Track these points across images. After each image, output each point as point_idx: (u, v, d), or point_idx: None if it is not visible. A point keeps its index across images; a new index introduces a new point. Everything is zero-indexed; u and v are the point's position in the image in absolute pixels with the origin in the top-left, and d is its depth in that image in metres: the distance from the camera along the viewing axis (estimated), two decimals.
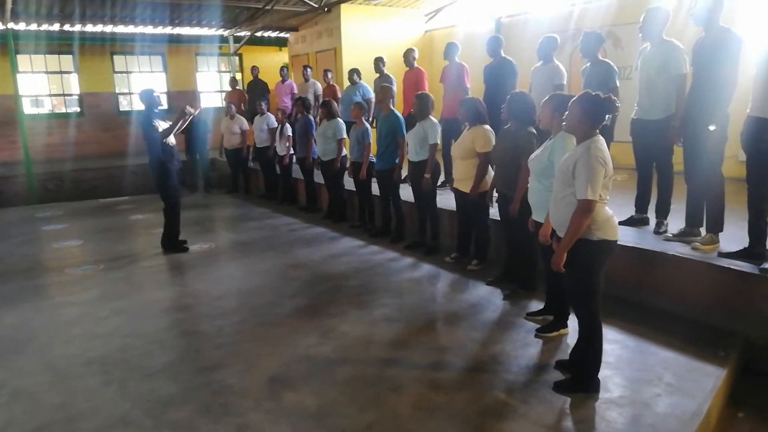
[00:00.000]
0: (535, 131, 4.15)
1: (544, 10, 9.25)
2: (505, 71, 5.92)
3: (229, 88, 11.26)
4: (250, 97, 10.31)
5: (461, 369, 3.38)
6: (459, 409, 2.91)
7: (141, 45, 12.26)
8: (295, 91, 9.77)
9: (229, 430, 2.79)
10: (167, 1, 10.27)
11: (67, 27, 10.70)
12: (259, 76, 10.55)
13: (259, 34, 12.55)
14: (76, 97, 12.83)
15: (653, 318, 3.86)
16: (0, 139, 11.80)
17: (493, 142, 4.62)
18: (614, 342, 3.55)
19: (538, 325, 3.83)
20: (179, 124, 5.93)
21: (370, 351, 3.64)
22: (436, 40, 10.99)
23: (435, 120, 5.51)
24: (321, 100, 8.45)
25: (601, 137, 2.87)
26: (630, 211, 4.82)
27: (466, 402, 2.97)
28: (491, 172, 4.75)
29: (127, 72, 13.39)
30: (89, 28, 10.97)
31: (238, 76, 13.39)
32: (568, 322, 3.70)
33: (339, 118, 7.09)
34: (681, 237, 4.21)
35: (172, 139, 5.91)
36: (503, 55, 6.04)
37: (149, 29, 11.63)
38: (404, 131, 5.88)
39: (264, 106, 9.03)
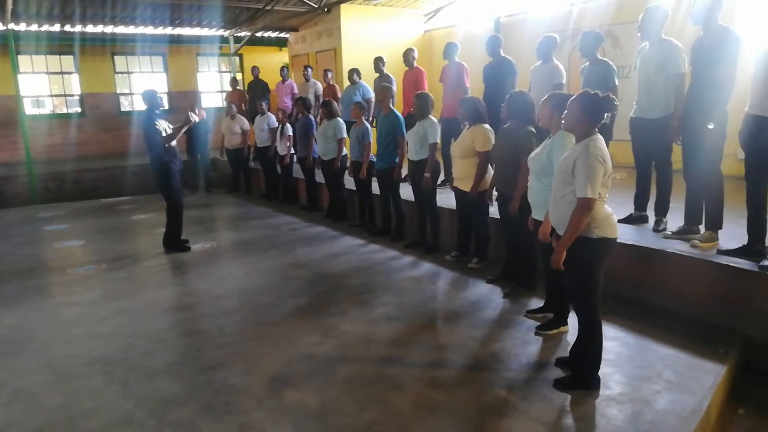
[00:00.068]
0: (534, 130, 4.17)
1: (543, 9, 9.26)
2: (504, 71, 5.94)
3: (229, 89, 11.28)
4: (251, 97, 10.33)
5: (462, 367, 3.39)
6: (459, 407, 2.92)
7: (142, 45, 12.27)
8: (296, 91, 9.79)
9: (231, 429, 2.81)
10: (168, 2, 10.29)
11: (67, 27, 10.71)
12: (260, 76, 10.57)
13: (259, 34, 12.57)
14: (77, 97, 12.85)
15: (653, 315, 3.88)
16: (1, 139, 11.81)
17: (493, 141, 4.63)
18: (614, 339, 3.56)
19: (538, 323, 3.84)
20: (182, 131, 5.96)
21: (370, 350, 3.65)
22: (436, 40, 10.99)
23: (434, 119, 5.52)
24: (321, 100, 8.47)
25: (600, 136, 2.89)
26: (629, 209, 4.83)
27: (466, 400, 2.99)
28: (491, 171, 4.76)
29: (128, 72, 13.40)
30: (90, 28, 10.98)
31: (239, 76, 13.41)
32: (568, 319, 3.72)
33: (339, 118, 7.10)
34: (680, 235, 4.22)
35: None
36: (503, 54, 6.05)
37: (150, 30, 11.64)
38: (404, 131, 5.89)
39: (264, 106, 9.04)
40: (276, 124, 8.73)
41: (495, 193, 4.70)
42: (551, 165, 3.37)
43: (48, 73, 12.51)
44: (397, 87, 7.36)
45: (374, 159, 6.38)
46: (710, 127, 3.89)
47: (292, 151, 8.39)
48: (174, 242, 6.24)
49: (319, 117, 7.93)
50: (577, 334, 3.13)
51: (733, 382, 3.33)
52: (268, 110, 9.11)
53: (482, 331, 3.87)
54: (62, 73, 12.60)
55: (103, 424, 2.91)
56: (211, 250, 6.31)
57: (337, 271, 5.33)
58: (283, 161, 8.56)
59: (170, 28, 11.75)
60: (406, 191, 6.02)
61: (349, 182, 7.05)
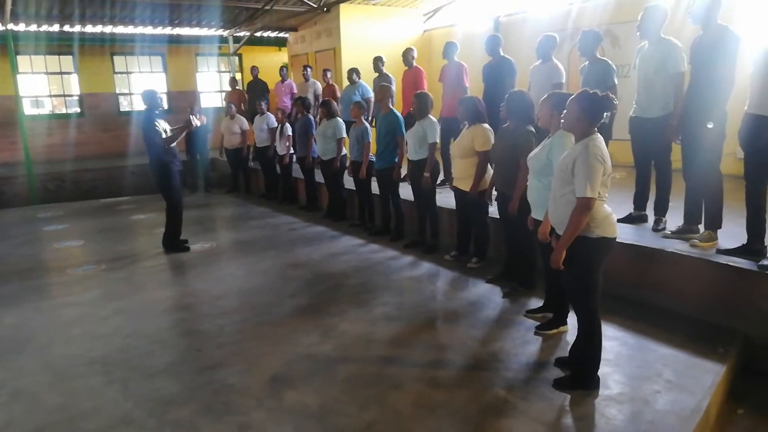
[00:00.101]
0: (533, 130, 4.17)
1: (543, 9, 9.25)
2: (503, 70, 5.94)
3: (228, 88, 11.27)
4: (250, 97, 10.32)
5: (461, 367, 3.39)
6: (459, 407, 2.92)
7: (141, 45, 12.27)
8: (295, 91, 9.78)
9: (230, 430, 2.81)
10: (167, 2, 10.28)
11: (66, 28, 10.70)
12: (259, 76, 10.57)
13: (258, 34, 12.56)
14: (77, 97, 12.84)
15: (652, 315, 3.88)
16: (0, 139, 11.81)
17: (492, 141, 4.63)
18: (614, 339, 3.57)
19: (538, 323, 3.84)
20: (183, 134, 5.98)
21: (370, 349, 3.65)
22: (435, 40, 10.99)
23: (434, 119, 5.52)
24: (320, 100, 8.47)
25: (600, 135, 2.89)
26: (629, 208, 4.83)
27: (466, 400, 2.99)
28: (490, 171, 4.76)
29: (127, 72, 13.39)
30: (89, 28, 10.97)
31: (238, 76, 13.40)
32: (568, 319, 3.72)
33: (338, 118, 7.10)
34: (679, 234, 4.22)
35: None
36: (502, 54, 6.05)
37: (149, 30, 11.63)
38: (403, 130, 5.89)
39: (264, 105, 9.04)
40: (275, 124, 8.73)
41: (494, 192, 4.70)
42: (551, 164, 3.37)
43: (47, 73, 12.50)
44: (396, 87, 7.36)
45: (374, 159, 6.38)
46: (710, 126, 3.89)
47: (292, 151, 8.38)
48: (173, 242, 6.24)
49: (318, 117, 7.93)
50: (576, 334, 3.13)
51: (733, 382, 3.33)
52: (268, 110, 9.11)
53: (482, 330, 3.87)
54: (61, 73, 12.59)
55: (103, 424, 2.90)
56: (210, 250, 6.31)
57: (336, 270, 5.33)
58: (282, 161, 8.56)
59: (169, 28, 11.74)
60: (406, 191, 6.02)
61: (348, 182, 7.05)
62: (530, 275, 4.46)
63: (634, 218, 4.74)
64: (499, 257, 5.09)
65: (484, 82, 6.13)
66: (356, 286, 4.87)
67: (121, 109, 13.33)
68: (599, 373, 3.06)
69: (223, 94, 13.45)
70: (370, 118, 7.62)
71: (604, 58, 4.90)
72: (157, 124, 5.78)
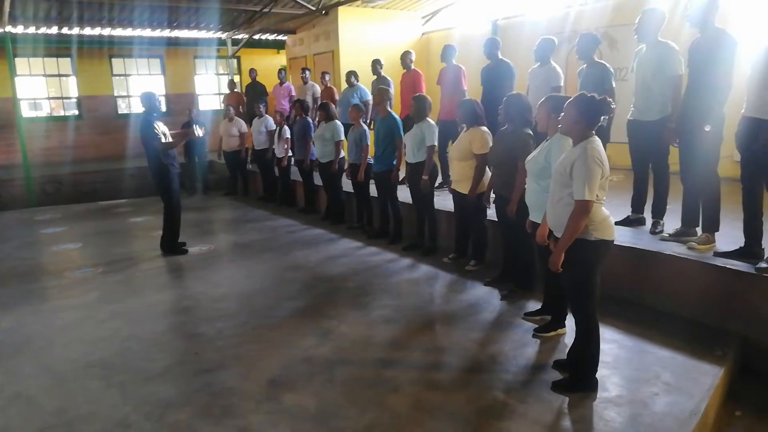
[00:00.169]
0: (531, 132, 4.18)
1: (541, 12, 9.28)
2: (502, 73, 5.95)
3: (227, 91, 11.27)
4: (249, 99, 10.33)
5: (460, 369, 3.39)
6: (458, 409, 2.92)
7: (139, 48, 12.24)
8: (293, 94, 9.79)
9: None
10: (165, 4, 10.29)
11: (65, 30, 10.69)
12: (257, 79, 10.57)
13: (256, 36, 12.57)
14: (75, 100, 12.83)
15: (650, 317, 3.88)
16: None
17: (490, 144, 4.64)
18: (612, 341, 3.57)
19: (536, 325, 3.85)
20: (182, 141, 5.99)
21: (368, 352, 3.65)
22: (433, 43, 11.01)
23: (432, 122, 5.54)
24: (319, 103, 8.48)
25: (597, 138, 2.89)
26: (626, 211, 4.84)
27: (464, 402, 2.99)
28: (489, 174, 4.77)
29: (126, 75, 13.39)
30: (87, 31, 10.97)
31: (237, 78, 13.40)
32: (566, 322, 3.72)
33: (337, 120, 7.11)
34: (677, 237, 4.23)
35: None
36: (500, 57, 6.06)
37: (147, 32, 11.62)
38: (402, 133, 5.90)
39: (262, 108, 9.04)
40: (274, 127, 8.73)
41: (493, 195, 4.70)
42: (549, 167, 3.37)
43: (45, 75, 12.48)
44: (394, 89, 7.38)
45: (372, 161, 6.38)
46: (707, 129, 3.90)
47: (290, 154, 8.38)
48: (172, 245, 6.23)
49: (316, 119, 7.94)
50: (574, 337, 3.13)
51: (731, 384, 3.34)
52: (266, 113, 9.11)
53: (480, 333, 3.87)
54: (59, 75, 12.58)
55: (101, 428, 2.90)
56: (208, 252, 6.30)
57: (335, 273, 5.33)
58: (280, 164, 8.57)
59: (168, 30, 11.73)
60: (404, 194, 6.02)
61: (346, 185, 7.05)
62: (528, 278, 4.46)
63: (632, 221, 4.75)
64: (497, 260, 5.08)
65: (483, 85, 6.14)
66: (354, 288, 4.87)
67: (120, 112, 13.32)
68: (597, 375, 3.07)
69: (222, 96, 13.45)
70: (368, 121, 7.63)
71: (602, 61, 4.92)
72: (155, 127, 5.78)
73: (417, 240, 5.90)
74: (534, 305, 4.18)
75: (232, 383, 3.29)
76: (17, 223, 8.51)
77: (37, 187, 10.10)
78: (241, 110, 10.27)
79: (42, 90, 12.74)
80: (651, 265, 4.06)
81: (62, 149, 12.23)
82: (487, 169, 4.77)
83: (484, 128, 4.80)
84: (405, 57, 7.42)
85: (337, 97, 8.89)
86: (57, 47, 11.64)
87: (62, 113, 12.89)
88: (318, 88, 9.46)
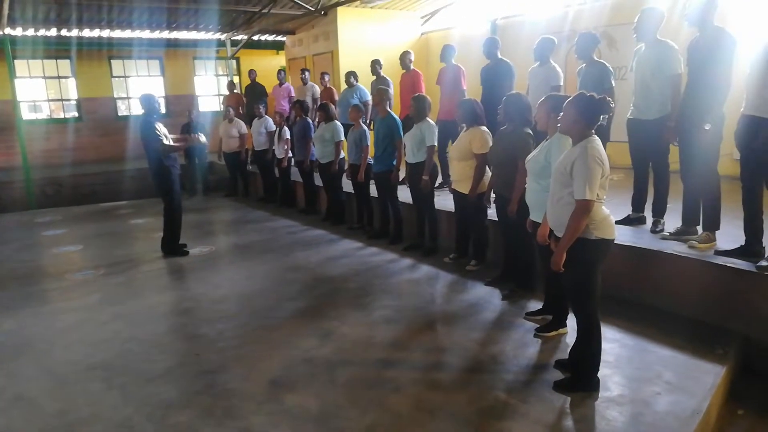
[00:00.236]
0: (531, 132, 4.18)
1: (540, 11, 9.28)
2: (501, 73, 5.95)
3: (226, 92, 11.27)
4: (248, 100, 10.33)
5: (461, 369, 3.39)
6: (459, 410, 2.92)
7: (138, 49, 12.25)
8: (293, 94, 9.79)
9: None
10: (164, 6, 10.29)
11: (64, 32, 10.70)
12: (257, 80, 10.58)
13: (256, 37, 12.58)
14: (74, 102, 12.84)
15: (651, 317, 3.88)
16: None
17: (490, 144, 4.64)
18: (613, 341, 3.57)
19: (537, 325, 3.84)
20: (184, 146, 5.99)
21: (369, 352, 3.65)
22: (433, 43, 11.01)
23: (432, 122, 5.54)
24: (318, 103, 8.48)
25: (597, 137, 2.89)
26: (627, 210, 4.84)
27: (466, 402, 2.99)
28: (489, 173, 4.77)
29: (125, 76, 13.39)
30: (86, 32, 10.98)
31: (236, 79, 13.40)
32: (567, 321, 3.72)
33: (337, 121, 7.11)
34: (678, 236, 4.23)
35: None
36: (500, 56, 6.06)
37: (146, 33, 11.63)
38: (401, 133, 5.90)
39: (262, 109, 9.04)
40: (273, 128, 8.73)
41: (493, 195, 4.70)
42: (549, 167, 3.37)
43: (45, 77, 12.48)
44: (394, 90, 7.37)
45: (372, 162, 6.38)
46: (707, 127, 3.90)
47: (290, 155, 8.38)
48: (172, 246, 6.23)
49: (316, 120, 7.94)
50: (576, 336, 3.13)
51: (733, 383, 3.34)
52: (266, 113, 9.11)
53: (481, 333, 3.87)
54: (59, 77, 12.58)
55: (102, 429, 2.90)
56: (209, 254, 6.30)
57: (335, 274, 5.33)
58: (280, 164, 8.57)
59: (167, 31, 11.75)
60: (404, 194, 6.02)
61: (347, 185, 7.05)
62: (529, 277, 4.46)
63: (633, 220, 4.75)
64: (498, 260, 5.08)
65: (482, 84, 6.14)
66: (355, 289, 4.87)
67: (119, 113, 13.32)
68: (599, 374, 3.06)
69: (221, 97, 13.45)
70: (368, 122, 7.64)
71: (601, 61, 4.91)
72: (157, 128, 5.78)
73: (417, 240, 5.90)
74: (535, 305, 4.18)
75: (233, 384, 3.29)
76: (17, 225, 8.51)
77: (37, 190, 10.11)
78: (240, 111, 10.27)
79: (41, 92, 12.74)
80: (652, 264, 4.06)
81: (62, 151, 12.23)
82: (488, 168, 4.77)
83: (484, 128, 4.79)
84: (404, 57, 7.42)
85: (336, 97, 8.89)
86: (56, 49, 11.66)
87: (62, 115, 12.90)
88: (317, 89, 9.46)
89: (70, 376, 3.50)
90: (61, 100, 12.91)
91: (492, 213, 4.93)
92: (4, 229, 8.19)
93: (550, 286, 3.85)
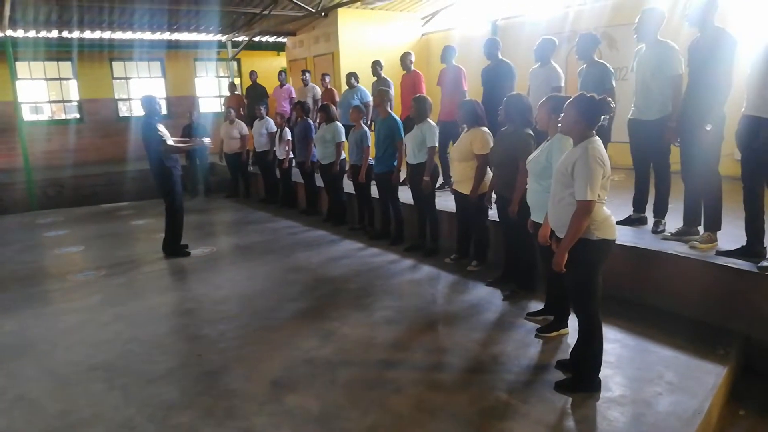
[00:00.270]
0: (532, 133, 4.18)
1: (540, 12, 9.29)
2: (502, 73, 5.95)
3: (227, 93, 11.29)
4: (249, 101, 10.34)
5: (462, 370, 3.39)
6: (460, 410, 2.92)
7: (139, 51, 12.28)
8: (294, 95, 9.81)
9: None
10: (165, 7, 10.30)
11: (65, 34, 10.72)
12: (258, 81, 10.58)
13: (257, 39, 12.59)
14: (76, 103, 12.86)
15: (652, 317, 3.88)
16: None
17: (491, 144, 4.64)
18: (614, 341, 3.57)
19: (539, 326, 3.84)
20: (185, 149, 6.02)
21: (371, 353, 3.65)
22: (433, 44, 11.01)
23: (433, 123, 5.54)
24: (319, 104, 8.49)
25: (598, 138, 2.89)
26: (628, 210, 4.84)
27: (467, 403, 2.99)
28: (490, 174, 4.77)
29: (126, 78, 13.42)
30: (87, 34, 11.00)
31: (237, 80, 13.43)
32: (569, 322, 3.72)
33: (337, 122, 7.11)
34: (679, 236, 4.23)
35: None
36: (500, 57, 6.06)
37: (147, 35, 11.66)
38: (402, 134, 5.91)
39: (263, 110, 9.06)
40: (274, 129, 8.75)
41: (494, 195, 4.70)
42: (550, 167, 3.37)
43: (46, 79, 12.52)
44: (395, 90, 7.38)
45: (373, 162, 6.39)
46: (708, 128, 3.90)
47: (291, 156, 8.40)
48: (174, 247, 6.24)
49: (317, 121, 7.94)
50: (577, 337, 3.13)
51: (734, 383, 3.34)
52: (267, 115, 9.12)
53: (482, 333, 3.87)
54: (60, 79, 12.61)
55: (104, 430, 2.90)
56: (210, 254, 6.30)
57: (336, 274, 5.33)
58: (281, 165, 8.58)
59: (168, 33, 11.77)
60: (405, 194, 6.03)
61: (348, 186, 7.06)
62: (530, 278, 4.46)
63: (634, 220, 4.75)
64: (499, 260, 5.08)
65: (483, 85, 6.14)
66: (356, 290, 4.87)
67: (120, 115, 13.35)
68: (600, 375, 3.06)
69: (222, 98, 13.46)
70: (369, 122, 7.65)
71: (602, 61, 4.91)
72: (159, 130, 5.79)
73: (418, 241, 5.90)
74: (536, 305, 4.18)
75: (235, 385, 3.30)
76: (19, 226, 8.52)
77: (38, 191, 10.12)
78: (241, 112, 10.29)
79: (43, 93, 12.78)
80: (653, 265, 4.06)
81: (63, 152, 12.26)
82: (489, 169, 4.77)
83: (485, 129, 4.80)
84: (405, 58, 7.43)
85: (337, 98, 8.91)
86: (57, 51, 11.69)
87: (63, 116, 12.93)
88: (318, 90, 9.47)
89: (72, 376, 3.51)
90: (63, 101, 12.94)
91: (493, 214, 4.93)
92: (6, 231, 8.20)
93: (551, 287, 3.85)
